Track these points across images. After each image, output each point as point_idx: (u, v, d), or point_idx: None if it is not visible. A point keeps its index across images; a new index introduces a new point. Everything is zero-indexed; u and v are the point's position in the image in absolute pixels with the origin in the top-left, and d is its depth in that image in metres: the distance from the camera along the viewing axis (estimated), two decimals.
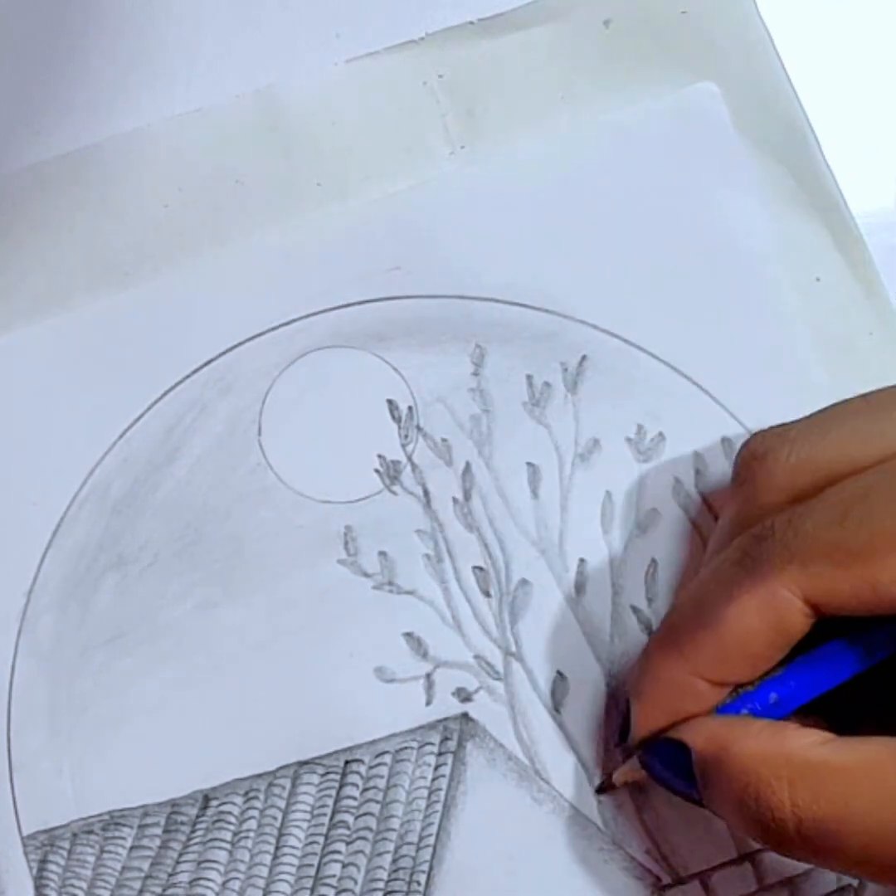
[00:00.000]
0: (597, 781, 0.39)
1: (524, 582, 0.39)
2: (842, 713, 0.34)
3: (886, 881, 0.32)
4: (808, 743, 0.32)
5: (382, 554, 0.39)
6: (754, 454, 0.36)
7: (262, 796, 0.38)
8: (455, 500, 0.40)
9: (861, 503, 0.32)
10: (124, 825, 0.38)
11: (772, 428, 0.36)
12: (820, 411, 0.36)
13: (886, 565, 0.31)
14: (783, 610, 0.32)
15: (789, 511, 0.33)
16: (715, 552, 0.37)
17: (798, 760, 0.31)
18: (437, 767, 0.38)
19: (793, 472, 0.35)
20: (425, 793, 0.38)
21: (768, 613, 0.32)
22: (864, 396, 0.36)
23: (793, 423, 0.36)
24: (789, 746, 0.32)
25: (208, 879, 0.38)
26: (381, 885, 0.38)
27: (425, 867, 0.38)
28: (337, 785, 0.38)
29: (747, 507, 0.36)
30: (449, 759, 0.39)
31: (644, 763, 0.36)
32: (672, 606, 0.36)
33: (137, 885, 0.38)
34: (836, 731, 0.32)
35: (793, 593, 0.32)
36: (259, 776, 0.38)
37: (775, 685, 0.34)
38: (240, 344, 0.40)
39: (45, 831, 0.38)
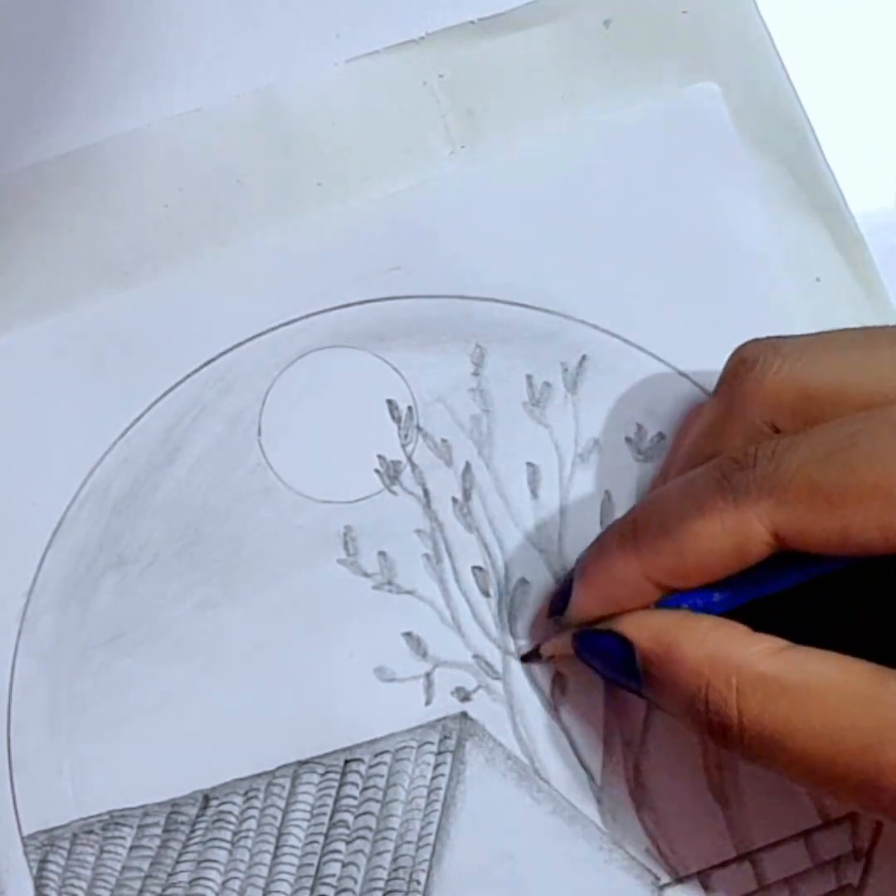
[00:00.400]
0: (525, 651, 0.39)
1: (523, 582, 0.39)
2: (790, 629, 0.34)
3: (822, 793, 0.34)
4: (758, 650, 0.32)
5: (382, 554, 0.39)
6: (744, 361, 0.36)
7: (261, 796, 0.38)
8: (455, 500, 0.40)
9: (846, 448, 0.31)
10: (124, 825, 0.38)
11: (767, 338, 0.36)
12: (818, 333, 0.36)
13: (860, 513, 0.31)
14: (748, 537, 0.32)
15: (774, 442, 0.33)
16: (686, 461, 0.37)
17: (747, 670, 0.32)
18: (436, 767, 0.39)
19: (778, 387, 0.35)
20: (425, 792, 0.38)
21: (734, 538, 0.33)
22: (864, 328, 0.36)
23: (788, 337, 0.36)
24: (738, 652, 0.32)
25: (208, 879, 0.38)
26: (380, 884, 0.38)
27: (425, 866, 0.38)
28: (337, 784, 0.38)
29: (728, 414, 0.36)
30: (448, 758, 0.39)
31: (577, 648, 0.36)
32: (639, 503, 0.36)
33: (137, 884, 0.38)
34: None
35: (763, 525, 0.32)
36: (259, 776, 0.38)
37: (718, 586, 0.34)
38: (240, 344, 0.40)
39: (45, 831, 0.38)
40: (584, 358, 0.40)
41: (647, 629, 0.34)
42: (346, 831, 0.38)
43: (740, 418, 0.35)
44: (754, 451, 0.33)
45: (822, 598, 0.34)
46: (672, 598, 0.34)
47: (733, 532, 0.33)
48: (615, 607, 0.35)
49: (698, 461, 0.35)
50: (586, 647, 0.36)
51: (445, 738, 0.39)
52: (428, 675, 0.39)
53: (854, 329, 0.36)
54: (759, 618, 0.33)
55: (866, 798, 0.31)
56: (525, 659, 0.39)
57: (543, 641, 0.39)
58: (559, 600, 0.38)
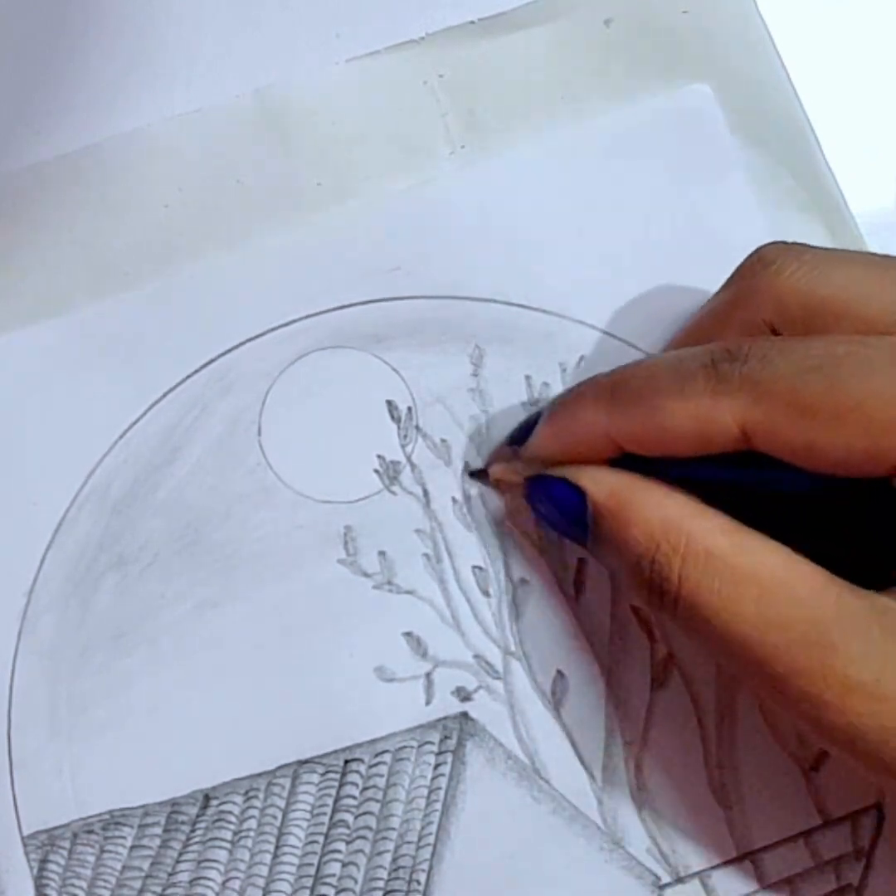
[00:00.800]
0: (473, 468, 0.40)
1: (523, 581, 0.39)
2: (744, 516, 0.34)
3: (735, 672, 0.34)
4: (711, 526, 0.33)
5: (382, 554, 0.39)
6: (762, 259, 0.36)
7: (261, 796, 0.38)
8: (454, 500, 0.40)
9: (835, 365, 0.32)
10: (124, 825, 0.38)
11: (791, 243, 0.36)
12: (841, 250, 0.37)
13: (831, 430, 0.31)
14: (716, 426, 0.33)
15: (769, 343, 0.33)
16: (684, 337, 0.38)
17: (697, 541, 0.33)
18: (436, 766, 0.39)
19: (788, 292, 0.35)
20: (425, 792, 0.38)
21: (701, 423, 0.33)
22: (887, 255, 0.36)
23: (811, 247, 0.36)
24: (692, 524, 0.33)
25: (208, 879, 0.38)
26: (380, 884, 0.38)
27: (425, 866, 0.38)
28: (337, 784, 0.38)
29: (734, 305, 0.36)
30: (449, 758, 0.39)
31: (528, 491, 0.37)
32: (626, 365, 0.36)
33: (138, 884, 0.38)
34: None
35: (734, 419, 0.33)
36: (259, 775, 0.38)
37: (675, 466, 0.35)
38: (240, 344, 0.40)
39: (45, 831, 0.38)
40: (582, 358, 0.40)
41: (604, 484, 0.35)
42: (347, 831, 0.38)
43: (745, 311, 0.36)
44: (748, 347, 0.33)
45: (778, 513, 0.35)
46: (628, 461, 0.35)
47: (703, 417, 0.33)
48: (573, 454, 0.36)
49: (693, 343, 0.36)
50: (537, 492, 0.37)
51: (446, 738, 0.39)
52: (428, 674, 0.39)
53: (877, 254, 0.36)
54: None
55: (775, 692, 0.32)
56: (472, 474, 0.40)
57: (495, 463, 0.39)
58: (522, 431, 0.38)
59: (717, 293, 0.38)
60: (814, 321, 0.34)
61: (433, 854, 0.38)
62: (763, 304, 0.35)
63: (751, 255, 0.37)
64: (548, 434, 0.37)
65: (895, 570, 0.33)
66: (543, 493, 0.36)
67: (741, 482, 0.35)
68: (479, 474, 0.40)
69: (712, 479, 0.35)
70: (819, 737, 0.32)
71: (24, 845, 0.38)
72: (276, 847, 0.38)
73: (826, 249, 0.36)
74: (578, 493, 0.35)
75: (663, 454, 0.34)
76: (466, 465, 0.40)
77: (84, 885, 0.38)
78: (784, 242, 0.36)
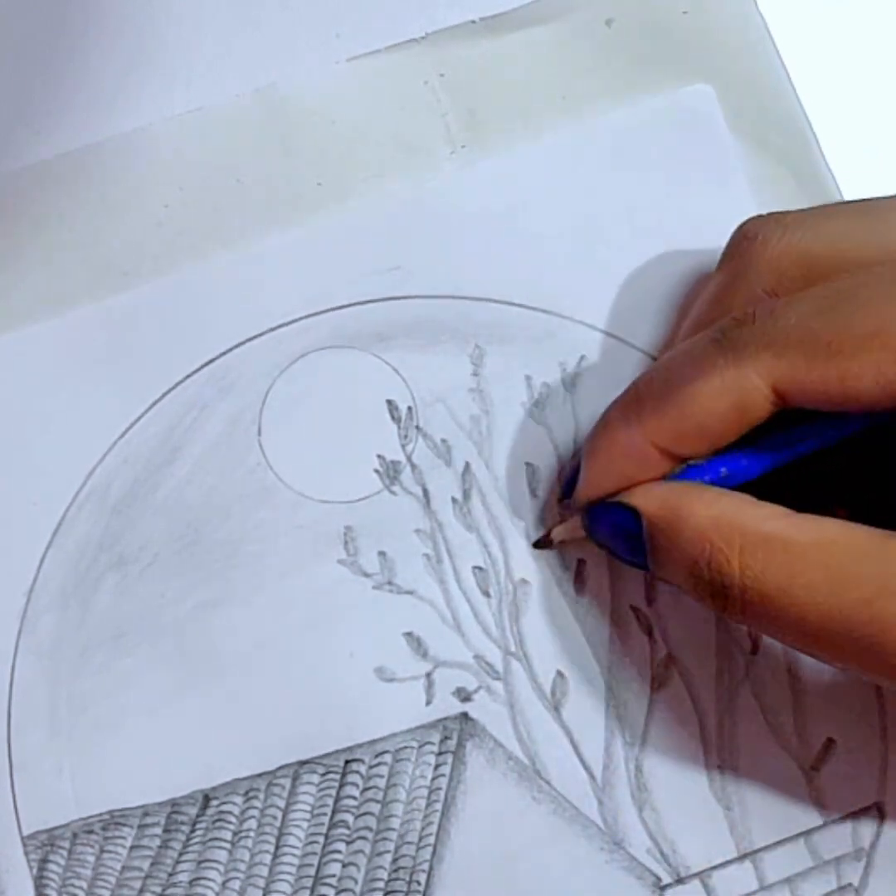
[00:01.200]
0: (535, 538, 0.40)
1: (524, 581, 0.39)
2: (799, 500, 0.34)
3: (821, 654, 0.33)
4: (763, 514, 0.33)
5: (382, 554, 0.39)
6: (747, 235, 0.36)
7: (262, 796, 0.38)
8: (454, 500, 0.40)
9: (846, 300, 0.32)
10: (124, 825, 0.38)
11: (770, 213, 0.36)
12: (820, 205, 0.36)
13: (858, 362, 0.31)
14: (748, 393, 0.33)
15: (773, 301, 0.33)
16: (691, 329, 0.38)
17: (751, 530, 0.32)
18: (437, 767, 0.38)
19: (781, 257, 0.35)
20: (425, 792, 0.38)
21: (733, 395, 0.33)
22: (865, 199, 0.36)
23: (788, 211, 0.36)
24: (744, 516, 0.33)
25: (208, 879, 0.38)
26: (381, 884, 0.38)
27: (425, 867, 0.38)
28: (337, 784, 0.38)
29: (731, 284, 0.36)
30: (449, 758, 0.39)
31: (587, 526, 0.37)
32: (642, 374, 0.36)
33: (137, 884, 0.38)
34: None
35: (762, 378, 0.32)
36: (259, 776, 0.38)
37: (726, 460, 0.35)
38: (240, 344, 0.40)
39: (45, 831, 0.38)
40: (582, 358, 0.40)
41: (654, 497, 0.34)
42: (347, 831, 0.38)
43: (743, 287, 0.36)
44: (753, 310, 0.33)
45: (825, 474, 0.35)
46: (681, 473, 0.35)
47: (733, 388, 0.33)
48: (623, 481, 0.35)
49: (700, 330, 0.35)
50: (596, 523, 0.36)
51: (446, 738, 0.39)
52: (428, 675, 0.39)
53: (853, 200, 0.37)
54: (765, 495, 0.34)
55: (865, 656, 0.31)
56: (537, 545, 0.40)
57: (554, 526, 0.39)
58: (568, 486, 0.38)
59: (712, 279, 0.38)
60: (813, 278, 0.34)
61: (433, 854, 0.38)
62: (760, 276, 0.35)
63: (734, 235, 0.37)
64: (592, 473, 0.36)
65: None
66: (601, 523, 0.36)
67: (793, 452, 0.34)
68: (542, 542, 0.39)
69: (760, 469, 0.35)
70: None
71: (24, 845, 0.38)
72: (277, 847, 0.38)
73: (803, 210, 0.36)
74: (632, 513, 0.35)
75: (708, 445, 0.34)
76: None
77: (84, 885, 0.38)
78: (762, 215, 0.36)
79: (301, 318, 0.40)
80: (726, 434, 0.34)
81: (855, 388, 0.31)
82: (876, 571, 0.31)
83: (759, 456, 0.34)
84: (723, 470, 0.34)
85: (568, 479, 0.38)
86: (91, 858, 0.38)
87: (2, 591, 0.39)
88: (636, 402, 0.35)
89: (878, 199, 0.36)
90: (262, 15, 0.43)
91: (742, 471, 0.35)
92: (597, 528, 0.36)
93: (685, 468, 0.35)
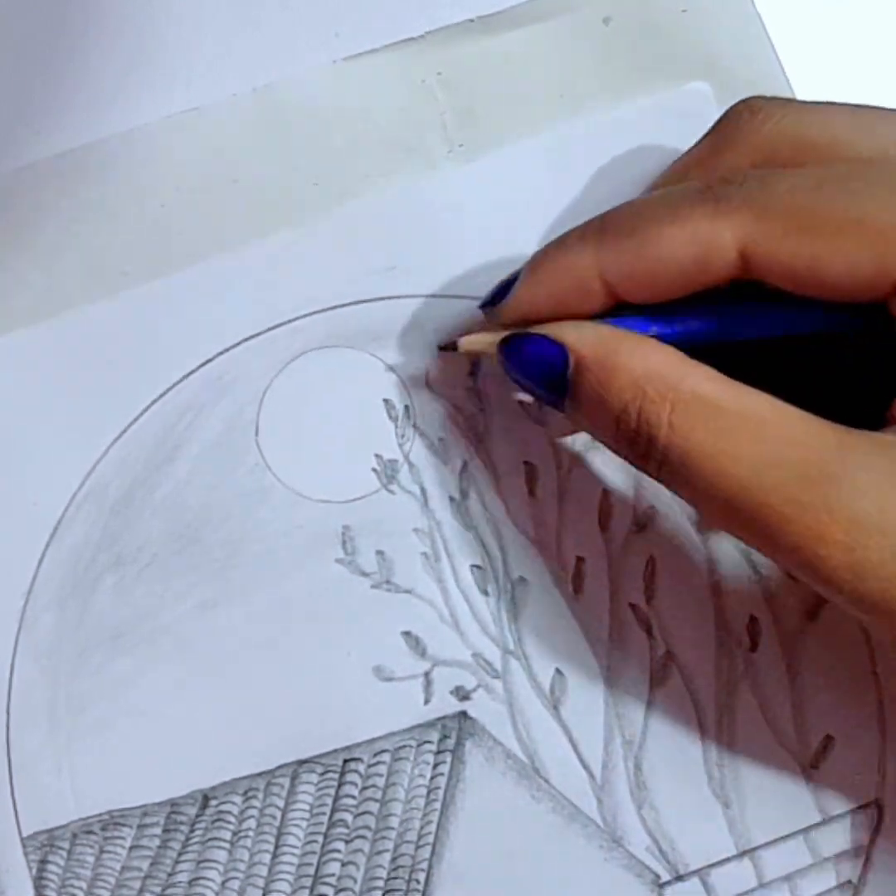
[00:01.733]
0: (444, 342, 0.39)
1: (522, 580, 0.39)
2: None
3: (722, 526, 0.33)
4: (700, 374, 0.32)
5: (380, 553, 0.39)
6: (749, 107, 0.36)
7: (260, 795, 0.38)
8: (452, 499, 0.40)
9: (838, 183, 0.32)
10: (124, 825, 0.38)
11: (773, 96, 0.36)
12: (823, 101, 0.36)
13: (834, 244, 0.31)
14: (716, 249, 0.32)
15: (766, 170, 0.33)
16: (668, 180, 0.38)
17: (686, 388, 0.32)
18: (435, 766, 0.39)
19: (779, 134, 0.35)
20: (424, 791, 0.38)
21: (700, 247, 0.33)
22: (867, 105, 0.36)
23: (794, 99, 0.37)
24: (680, 372, 0.32)
25: (208, 879, 0.38)
26: (380, 883, 0.38)
27: (424, 866, 0.38)
28: (336, 784, 0.38)
29: (720, 151, 0.36)
30: (448, 757, 0.39)
31: (503, 351, 0.35)
32: (618, 205, 0.36)
33: (137, 884, 0.38)
34: None
35: (735, 237, 0.32)
36: (258, 775, 0.39)
37: (662, 320, 0.34)
38: (237, 344, 0.40)
39: (44, 831, 0.38)
40: None
41: (588, 337, 0.34)
42: (346, 831, 0.38)
43: (731, 154, 0.35)
44: (744, 173, 0.33)
45: (762, 365, 0.34)
46: (613, 319, 0.34)
47: (702, 240, 0.33)
48: (556, 307, 0.35)
49: (677, 183, 0.36)
50: (513, 351, 0.35)
51: (445, 737, 0.39)
52: (427, 674, 0.39)
53: (860, 104, 0.36)
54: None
55: (772, 538, 0.31)
56: (442, 348, 0.39)
57: (465, 333, 0.38)
58: (499, 293, 0.37)
59: (700, 140, 0.37)
60: (803, 162, 0.34)
61: (432, 853, 0.38)
62: (751, 147, 0.35)
63: (735, 105, 0.36)
64: (529, 287, 0.36)
65: (887, 411, 0.33)
66: (519, 352, 0.35)
67: (730, 334, 0.34)
68: (448, 347, 0.38)
69: (701, 332, 0.34)
70: (820, 582, 0.31)
71: (24, 846, 0.38)
72: (276, 847, 0.38)
73: (806, 100, 0.36)
74: (559, 349, 0.34)
75: (656, 293, 0.34)
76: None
77: (83, 885, 0.38)
78: (765, 96, 0.36)
79: (298, 318, 0.40)
80: (678, 286, 0.34)
81: (823, 270, 0.31)
82: (801, 457, 0.31)
83: (697, 325, 0.34)
84: (653, 328, 0.34)
85: (499, 288, 0.37)
86: (90, 859, 0.38)
87: (1, 591, 0.39)
88: (599, 229, 0.35)
89: (879, 107, 0.36)
90: (261, 14, 0.43)
91: (675, 335, 0.34)
92: (514, 355, 0.35)
93: (620, 315, 0.34)
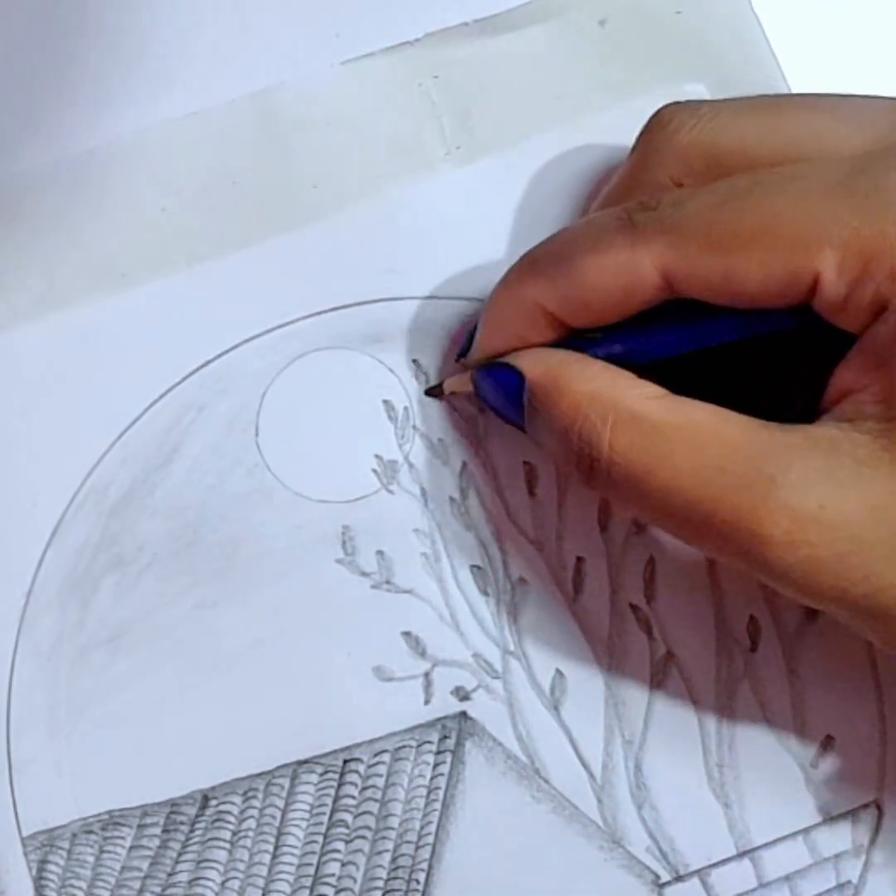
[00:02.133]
0: (427, 387, 0.40)
1: (522, 580, 0.39)
2: (680, 384, 0.34)
3: (679, 537, 0.33)
4: (639, 393, 0.33)
5: (380, 553, 0.40)
6: (661, 122, 0.37)
7: (260, 796, 0.38)
8: (452, 500, 0.40)
9: (742, 196, 0.32)
10: (124, 825, 0.38)
11: (686, 101, 0.37)
12: (733, 98, 0.37)
13: (745, 256, 0.32)
14: (638, 277, 0.33)
15: (682, 190, 0.34)
16: (600, 204, 0.38)
17: (624, 408, 0.33)
18: (435, 766, 0.39)
19: (689, 148, 0.35)
20: (424, 791, 0.38)
21: (623, 276, 0.34)
22: (775, 95, 0.37)
23: (708, 100, 0.38)
24: (619, 391, 0.33)
25: (208, 879, 0.38)
26: (380, 883, 0.38)
27: (424, 866, 0.38)
28: (336, 784, 0.38)
29: (639, 170, 0.37)
30: (448, 757, 0.39)
31: (476, 384, 0.38)
32: (542, 241, 0.37)
33: (137, 884, 0.38)
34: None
35: (654, 264, 0.33)
36: (258, 775, 0.39)
37: (613, 340, 0.35)
38: (237, 346, 0.40)
39: (44, 831, 0.38)
40: None
41: (539, 364, 0.35)
42: (346, 831, 0.38)
43: (651, 172, 0.36)
44: (659, 198, 0.34)
45: (708, 371, 0.35)
46: (566, 342, 0.36)
47: (624, 270, 0.33)
48: (515, 341, 0.36)
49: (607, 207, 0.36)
50: (483, 382, 0.37)
51: (445, 737, 0.39)
52: (427, 674, 0.39)
53: (766, 96, 0.37)
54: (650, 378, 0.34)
55: (717, 546, 0.32)
56: (428, 392, 0.40)
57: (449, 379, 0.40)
58: (466, 343, 0.38)
59: (623, 164, 0.38)
60: (718, 171, 0.34)
61: (432, 854, 0.38)
62: (667, 162, 0.36)
63: (650, 119, 0.37)
64: (487, 329, 0.37)
65: (820, 402, 0.33)
66: (488, 382, 0.37)
67: (672, 347, 0.35)
68: (433, 391, 0.40)
69: (645, 350, 0.35)
70: (779, 584, 0.32)
71: (24, 846, 0.38)
72: (276, 847, 0.38)
73: (722, 101, 0.37)
74: (516, 375, 0.35)
75: (595, 319, 0.35)
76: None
77: (83, 885, 0.38)
78: (679, 101, 0.37)
79: (298, 320, 0.41)
80: (612, 312, 0.34)
81: (740, 282, 0.32)
82: (739, 461, 0.31)
83: (647, 342, 0.35)
84: (607, 349, 0.35)
85: (466, 339, 0.39)
86: (90, 859, 0.38)
87: (1, 591, 0.39)
88: (531, 264, 0.36)
89: (787, 96, 0.37)
90: (260, 17, 0.43)
91: (625, 354, 0.35)
92: (483, 386, 0.37)
93: (571, 338, 0.35)
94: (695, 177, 0.35)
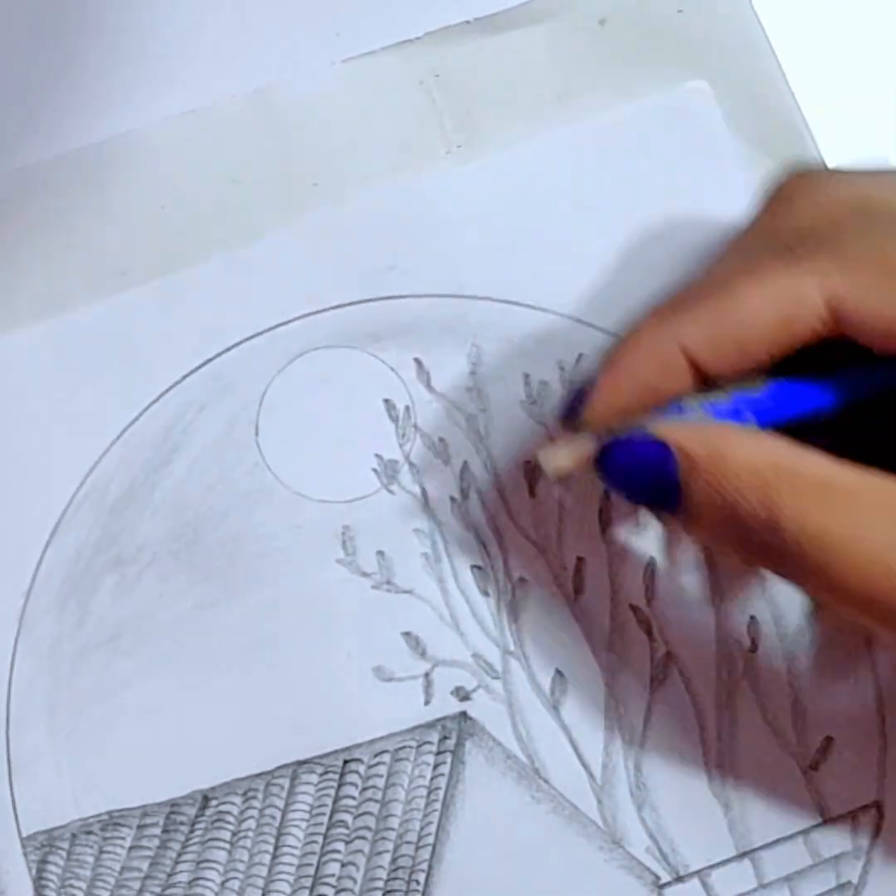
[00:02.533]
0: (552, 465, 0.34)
1: (522, 580, 0.39)
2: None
3: (870, 620, 0.30)
4: (815, 460, 0.30)
5: (380, 553, 0.39)
6: (801, 176, 0.34)
7: (260, 796, 0.38)
8: (452, 500, 0.40)
9: None
10: (123, 825, 0.38)
11: (811, 167, 0.35)
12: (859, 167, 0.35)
13: None
14: (801, 305, 0.30)
15: (839, 225, 0.31)
16: (736, 248, 0.35)
17: (808, 473, 0.30)
18: (436, 766, 0.38)
19: (840, 194, 0.32)
20: (424, 792, 0.38)
21: (784, 304, 0.31)
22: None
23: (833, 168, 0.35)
24: (796, 459, 0.30)
25: (207, 879, 0.38)
26: (380, 884, 0.38)
27: (424, 866, 0.38)
28: (336, 784, 0.38)
29: (779, 218, 0.33)
30: (448, 757, 0.39)
31: (601, 462, 0.33)
32: (683, 284, 0.33)
33: (137, 885, 0.38)
34: None
35: (819, 291, 0.30)
36: (258, 776, 0.38)
37: (754, 402, 0.32)
38: (237, 344, 0.40)
39: (44, 831, 0.38)
40: (580, 356, 0.40)
41: (694, 434, 0.31)
42: (346, 831, 0.38)
43: (793, 220, 0.33)
44: (820, 229, 0.31)
45: (860, 435, 0.32)
46: (699, 407, 0.32)
47: (785, 296, 0.30)
48: (643, 392, 0.32)
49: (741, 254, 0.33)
50: (614, 458, 0.32)
51: (445, 737, 0.39)
52: (427, 674, 0.39)
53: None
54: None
55: None
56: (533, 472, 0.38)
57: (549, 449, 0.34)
58: (573, 403, 0.34)
59: (755, 215, 0.35)
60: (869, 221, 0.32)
61: (432, 854, 0.38)
62: (816, 209, 0.33)
63: (781, 177, 0.34)
64: (611, 376, 0.33)
65: None
66: (621, 458, 0.32)
67: (826, 404, 0.32)
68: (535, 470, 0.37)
69: (788, 417, 0.32)
70: None
71: (23, 846, 0.38)
72: (275, 847, 0.38)
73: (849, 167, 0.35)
74: (665, 450, 0.31)
75: (743, 361, 0.31)
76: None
77: (83, 885, 0.38)
78: (806, 166, 0.34)
79: (298, 318, 0.41)
80: (765, 350, 0.31)
81: None
82: None
83: (789, 402, 0.32)
84: (748, 415, 0.32)
85: (572, 399, 0.34)
86: (90, 859, 0.38)
87: (1, 591, 0.39)
88: (675, 303, 0.32)
89: None
90: (260, 16, 0.43)
91: (771, 412, 0.32)
92: (614, 466, 0.32)
93: (703, 404, 0.32)
94: (845, 224, 0.32)
